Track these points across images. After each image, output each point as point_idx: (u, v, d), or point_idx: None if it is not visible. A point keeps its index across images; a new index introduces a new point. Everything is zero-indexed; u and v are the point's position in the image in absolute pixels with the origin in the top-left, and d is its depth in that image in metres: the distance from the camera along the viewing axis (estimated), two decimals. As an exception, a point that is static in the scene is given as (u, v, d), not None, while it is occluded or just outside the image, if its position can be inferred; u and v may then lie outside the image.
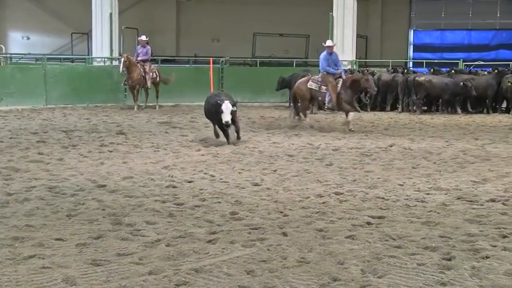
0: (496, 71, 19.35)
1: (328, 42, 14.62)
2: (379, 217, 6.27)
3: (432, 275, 4.61)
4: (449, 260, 4.94)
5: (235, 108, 10.87)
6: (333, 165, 9.36)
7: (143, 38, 19.22)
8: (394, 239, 5.49)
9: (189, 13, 31.08)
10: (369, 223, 6.05)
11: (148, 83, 18.80)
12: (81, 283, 4.43)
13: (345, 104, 13.92)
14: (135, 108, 18.63)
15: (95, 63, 22.86)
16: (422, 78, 18.48)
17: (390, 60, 23.61)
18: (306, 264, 4.83)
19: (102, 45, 22.47)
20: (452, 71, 19.82)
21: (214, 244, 5.34)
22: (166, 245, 5.29)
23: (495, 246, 5.29)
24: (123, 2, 24.53)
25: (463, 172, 8.81)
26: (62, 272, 4.61)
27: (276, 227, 5.89)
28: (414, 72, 21.05)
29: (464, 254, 5.06)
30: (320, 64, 14.53)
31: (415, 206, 6.78)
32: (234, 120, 11.11)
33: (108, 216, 6.24)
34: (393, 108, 19.30)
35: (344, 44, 22.09)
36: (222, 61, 22.06)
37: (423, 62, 24.63)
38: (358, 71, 17.30)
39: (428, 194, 7.37)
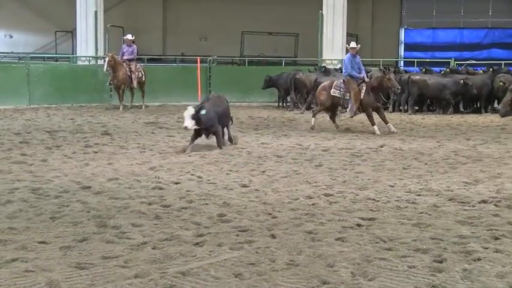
0: (491, 69, 19.40)
1: (352, 44, 14.14)
2: (370, 219, 6.23)
3: (423, 278, 4.58)
4: (441, 262, 4.90)
5: (203, 112, 10.30)
6: (323, 166, 9.31)
7: (129, 37, 19.06)
8: (384, 241, 5.45)
9: (176, 11, 30.96)
10: (359, 225, 6.01)
11: (134, 83, 18.69)
12: (65, 287, 4.37)
13: (369, 111, 13.52)
14: (121, 108, 18.50)
15: (79, 62, 22.74)
16: (417, 77, 18.50)
17: (381, 60, 23.62)
18: (295, 267, 4.79)
19: (87, 43, 22.35)
20: (448, 70, 19.81)
21: (201, 247, 5.28)
22: (152, 248, 5.24)
23: (487, 248, 5.25)
24: (108, 0, 24.37)
25: (455, 173, 8.77)
26: (46, 275, 4.54)
27: (265, 229, 5.83)
28: (406, 71, 21.05)
29: (456, 256, 5.02)
30: (344, 67, 14.14)
31: (406, 207, 6.75)
32: (215, 131, 10.64)
33: (93, 218, 6.18)
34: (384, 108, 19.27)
35: (334, 43, 22.11)
36: (210, 60, 22.00)
37: (414, 61, 24.67)
38: (380, 69, 16.71)
39: (419, 195, 7.33)
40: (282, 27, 29.35)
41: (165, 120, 15.91)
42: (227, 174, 8.64)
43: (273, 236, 5.58)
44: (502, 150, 10.93)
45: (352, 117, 14.25)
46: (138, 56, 19.67)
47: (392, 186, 7.80)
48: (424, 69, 20.53)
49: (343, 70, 14.28)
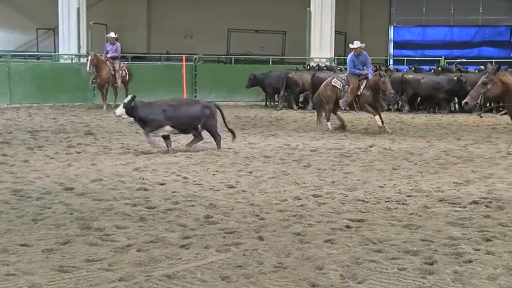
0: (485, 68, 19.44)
1: (355, 44, 14.13)
2: (359, 220, 6.21)
3: (413, 280, 4.56)
4: (431, 264, 4.88)
5: (126, 101, 10.13)
6: (311, 166, 9.28)
7: (112, 35, 18.93)
8: (374, 243, 5.42)
9: (160, 8, 30.80)
10: (348, 226, 5.98)
11: (118, 82, 18.60)
12: (47, 291, 4.33)
13: (367, 106, 13.60)
14: (104, 108, 18.37)
15: (61, 61, 22.56)
16: (410, 76, 18.51)
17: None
18: (283, 269, 4.77)
19: (69, 41, 22.13)
20: (439, 69, 19.83)
21: (187, 249, 5.25)
22: (137, 250, 5.20)
23: (478, 250, 5.23)
24: (91, -4, 24.21)
25: (445, 173, 8.75)
26: (28, 279, 4.51)
27: (252, 231, 5.80)
28: (398, 70, 21.06)
29: (447, 258, 5.00)
30: (347, 66, 14.36)
31: (396, 208, 6.72)
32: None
33: (76, 220, 6.13)
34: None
35: (322, 41, 22.12)
36: (195, 58, 21.91)
37: (404, 59, 24.70)
38: (380, 68, 16.66)
39: (409, 196, 7.31)
40: (269, 24, 29.29)
41: (150, 119, 15.78)
42: (213, 175, 8.60)
43: (261, 238, 5.55)
44: (493, 150, 10.92)
45: (342, 109, 14.20)
46: (122, 54, 19.53)
47: (382, 187, 7.79)
48: (413, 68, 20.52)
49: (347, 69, 14.42)
